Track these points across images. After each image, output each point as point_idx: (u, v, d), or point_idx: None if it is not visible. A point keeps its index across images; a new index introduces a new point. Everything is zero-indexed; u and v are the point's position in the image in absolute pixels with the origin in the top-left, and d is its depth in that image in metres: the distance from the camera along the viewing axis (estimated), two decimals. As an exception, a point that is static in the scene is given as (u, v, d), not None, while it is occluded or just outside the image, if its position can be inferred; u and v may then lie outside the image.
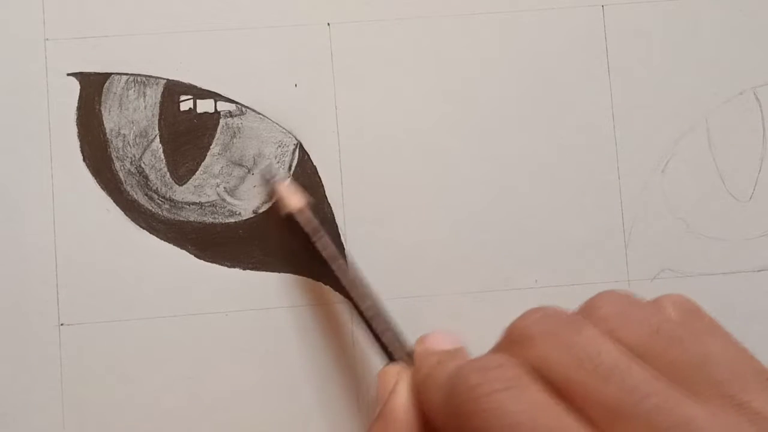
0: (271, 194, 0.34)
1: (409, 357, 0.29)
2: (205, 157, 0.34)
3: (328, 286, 0.34)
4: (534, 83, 0.35)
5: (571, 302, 0.34)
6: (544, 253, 0.34)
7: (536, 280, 0.34)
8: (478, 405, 0.22)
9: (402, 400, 0.27)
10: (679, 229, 0.35)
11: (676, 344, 0.23)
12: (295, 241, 0.32)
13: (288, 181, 0.34)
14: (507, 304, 0.34)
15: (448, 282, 0.34)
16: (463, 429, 0.22)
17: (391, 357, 0.30)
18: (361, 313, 0.31)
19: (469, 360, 0.24)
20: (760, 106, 0.35)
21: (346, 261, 0.32)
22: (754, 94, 0.35)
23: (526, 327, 0.24)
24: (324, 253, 0.31)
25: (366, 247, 0.34)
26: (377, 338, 0.30)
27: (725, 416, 0.21)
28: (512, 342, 0.24)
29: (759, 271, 0.35)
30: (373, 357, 0.31)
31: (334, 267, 0.31)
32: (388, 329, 0.30)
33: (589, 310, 0.24)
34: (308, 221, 0.32)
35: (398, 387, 0.27)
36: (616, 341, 0.23)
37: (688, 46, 0.35)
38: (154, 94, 0.34)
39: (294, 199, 0.32)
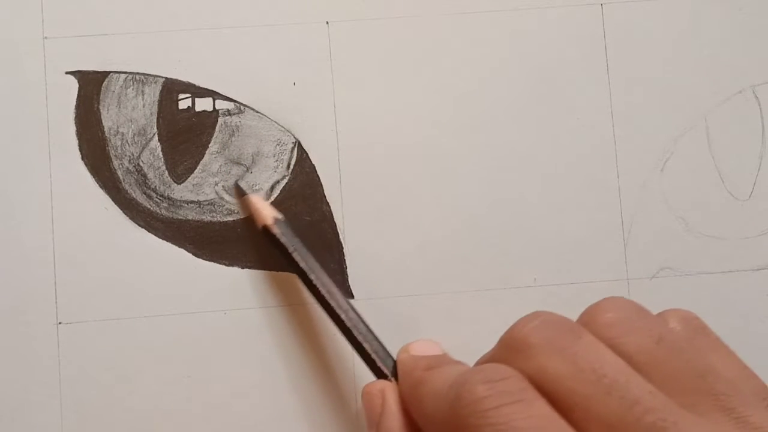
0: (245, 209, 0.34)
1: (392, 367, 0.29)
2: (203, 156, 0.34)
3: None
4: (533, 82, 0.35)
5: (570, 301, 0.34)
6: (544, 251, 0.34)
7: (535, 279, 0.34)
8: (485, 419, 0.21)
9: (395, 420, 0.26)
10: (678, 227, 0.35)
11: (679, 354, 0.23)
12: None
13: (260, 195, 0.34)
14: (506, 302, 0.34)
15: (447, 281, 0.34)
16: None
17: (373, 368, 0.30)
18: (341, 324, 0.30)
19: (472, 369, 0.24)
20: (759, 104, 0.35)
21: (324, 272, 0.31)
22: (753, 92, 0.35)
23: (524, 335, 0.23)
24: (302, 265, 0.31)
25: (364, 245, 0.34)
26: (359, 349, 0.30)
27: (725, 428, 0.20)
28: (510, 350, 0.24)
29: (758, 269, 0.35)
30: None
31: (312, 278, 0.31)
32: (368, 340, 0.30)
33: (593, 314, 0.24)
34: (283, 233, 0.32)
35: (388, 407, 0.27)
36: (616, 352, 0.22)
37: (687, 45, 0.35)
38: (153, 93, 0.34)
39: (267, 212, 0.32)
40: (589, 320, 0.24)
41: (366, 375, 0.31)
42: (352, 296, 0.34)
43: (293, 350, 0.33)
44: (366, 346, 0.30)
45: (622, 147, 0.35)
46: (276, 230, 0.32)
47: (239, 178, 0.34)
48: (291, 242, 0.32)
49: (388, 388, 0.28)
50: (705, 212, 0.35)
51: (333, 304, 0.31)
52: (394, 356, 0.30)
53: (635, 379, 0.21)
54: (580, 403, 0.21)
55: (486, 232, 0.34)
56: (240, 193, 0.33)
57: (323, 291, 0.31)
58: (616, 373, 0.22)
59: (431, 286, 0.34)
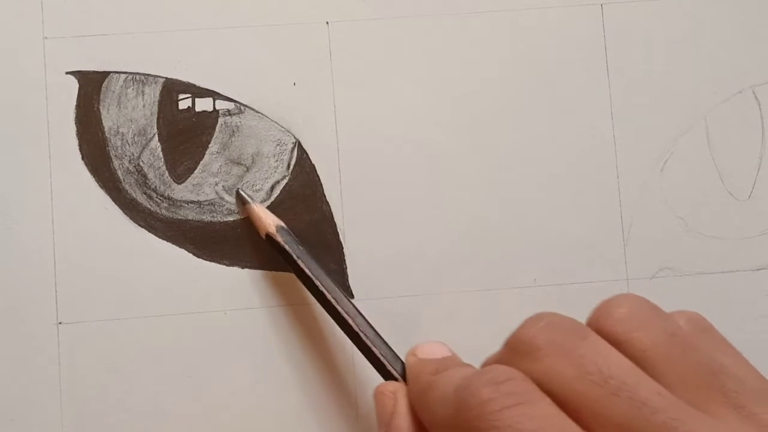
0: (247, 217, 0.34)
1: (401, 370, 0.29)
2: (203, 156, 0.34)
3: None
4: (533, 82, 0.35)
5: (570, 301, 0.34)
6: (543, 252, 0.34)
7: (535, 279, 0.34)
8: (490, 421, 0.21)
9: (405, 421, 0.26)
10: (677, 227, 0.35)
11: (691, 351, 0.22)
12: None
13: (261, 203, 0.34)
14: (506, 302, 0.34)
15: (447, 281, 0.34)
16: None
17: (383, 372, 0.30)
18: (349, 329, 0.31)
19: (477, 372, 0.24)
20: (759, 105, 0.35)
21: (330, 278, 0.31)
22: (753, 92, 0.35)
23: (530, 337, 0.23)
24: (307, 272, 0.31)
25: (364, 246, 0.34)
26: (368, 353, 0.30)
27: (735, 425, 0.20)
28: (515, 352, 0.23)
29: (758, 269, 0.35)
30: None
31: (318, 284, 0.31)
32: (377, 344, 0.30)
33: (607, 309, 0.24)
34: (286, 241, 0.32)
35: (399, 407, 0.27)
36: (628, 346, 0.22)
37: (686, 45, 0.35)
38: (153, 93, 0.34)
39: (270, 220, 0.32)
40: (602, 315, 0.24)
41: (366, 375, 0.31)
42: (352, 296, 0.34)
43: (293, 350, 0.33)
44: (375, 350, 0.30)
45: (622, 147, 0.35)
46: (279, 238, 0.32)
47: (241, 185, 0.34)
48: (295, 249, 0.32)
49: (400, 389, 0.28)
50: (705, 212, 0.35)
51: (340, 309, 0.31)
52: (402, 358, 0.30)
53: (643, 379, 0.21)
54: (588, 405, 0.21)
55: (486, 232, 0.34)
56: (242, 201, 0.33)
57: (329, 296, 0.31)
58: (624, 374, 0.21)
59: (431, 286, 0.34)
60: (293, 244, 0.32)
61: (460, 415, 0.22)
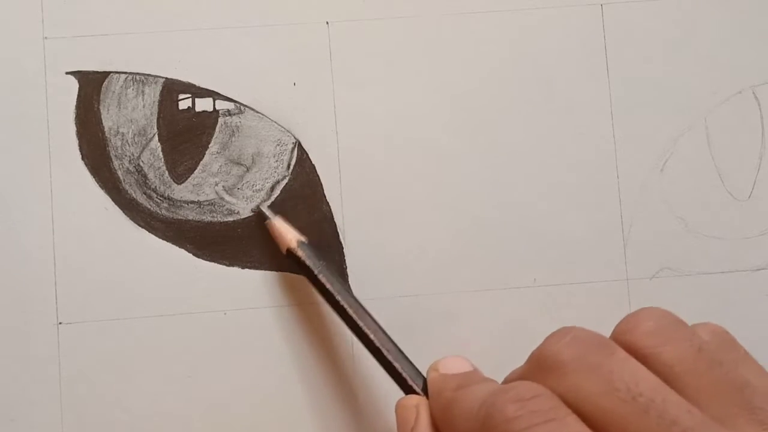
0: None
1: (422, 384, 0.29)
2: (203, 156, 0.34)
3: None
4: (533, 82, 0.35)
5: (570, 301, 0.34)
6: (543, 252, 0.34)
7: (535, 279, 0.34)
8: None
9: None
10: (678, 228, 0.35)
11: (718, 366, 0.22)
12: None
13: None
14: (506, 302, 0.34)
15: (447, 281, 0.34)
16: None
17: (404, 387, 0.29)
18: (371, 344, 0.30)
19: (502, 388, 0.23)
20: (759, 105, 0.35)
21: (350, 292, 0.31)
22: (753, 93, 0.35)
23: (555, 352, 0.23)
24: (328, 287, 0.31)
25: (364, 245, 0.34)
26: (390, 368, 0.30)
27: None
28: (541, 368, 0.23)
29: (758, 269, 0.35)
30: (371, 355, 0.31)
31: (339, 299, 0.31)
32: (398, 359, 0.30)
33: (633, 323, 0.24)
34: (308, 256, 0.32)
35: (420, 422, 0.27)
36: (655, 361, 0.22)
37: (686, 45, 0.35)
38: (153, 93, 0.34)
39: (291, 236, 0.32)
40: (627, 329, 0.23)
41: (367, 375, 0.31)
42: (352, 296, 0.34)
43: (294, 350, 0.33)
44: (396, 365, 0.30)
45: (621, 147, 0.35)
46: (301, 253, 0.32)
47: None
48: (316, 265, 0.32)
49: (422, 403, 0.27)
50: (705, 212, 0.35)
51: (361, 324, 0.31)
52: (424, 373, 0.30)
53: (672, 397, 0.21)
54: (616, 423, 0.21)
55: (486, 232, 0.34)
56: (262, 218, 0.33)
57: (351, 312, 0.31)
58: (652, 392, 0.21)
59: (431, 286, 0.34)
60: (314, 259, 0.32)
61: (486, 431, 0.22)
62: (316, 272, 0.31)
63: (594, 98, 0.35)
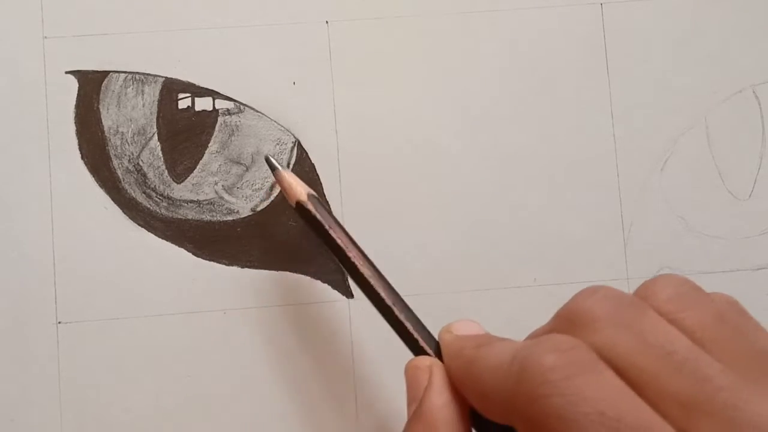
0: (276, 184, 0.33)
1: (435, 347, 0.28)
2: (203, 155, 0.34)
3: (326, 284, 0.34)
4: (533, 82, 0.35)
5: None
6: (543, 251, 0.34)
7: (535, 279, 0.34)
8: (556, 389, 0.20)
9: (441, 396, 0.25)
10: (678, 227, 0.35)
11: (740, 332, 0.22)
12: (299, 235, 0.31)
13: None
14: (506, 302, 0.34)
15: (447, 280, 0.34)
16: (532, 415, 0.20)
17: (415, 348, 0.28)
18: (380, 303, 0.29)
19: (538, 339, 0.22)
20: (759, 104, 0.35)
21: (361, 249, 0.30)
22: (753, 92, 0.35)
23: (588, 307, 0.22)
24: (339, 241, 0.30)
25: (364, 245, 0.34)
26: (400, 328, 0.28)
27: None
28: (572, 323, 0.22)
29: (758, 269, 0.35)
30: (372, 355, 0.31)
31: (350, 255, 0.29)
32: (410, 319, 0.28)
33: (652, 289, 0.23)
34: (318, 208, 0.30)
35: (434, 382, 0.25)
36: (677, 327, 0.22)
37: (687, 45, 0.35)
38: (153, 92, 0.34)
39: (301, 188, 0.31)
40: (648, 295, 0.23)
41: (366, 376, 0.31)
42: (352, 296, 0.34)
43: (293, 350, 0.33)
44: (408, 325, 0.28)
45: (622, 147, 0.35)
46: (311, 206, 0.30)
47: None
48: (326, 219, 0.30)
49: (437, 365, 0.26)
50: (705, 212, 0.35)
51: (373, 282, 0.29)
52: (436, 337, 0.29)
53: (703, 356, 0.21)
54: (651, 380, 0.20)
55: (486, 232, 0.34)
56: (271, 167, 0.31)
57: (362, 268, 0.29)
58: (686, 350, 0.21)
59: (431, 286, 0.34)
60: (325, 213, 0.30)
61: (522, 383, 0.21)
62: (327, 227, 0.30)
63: (594, 97, 0.35)
